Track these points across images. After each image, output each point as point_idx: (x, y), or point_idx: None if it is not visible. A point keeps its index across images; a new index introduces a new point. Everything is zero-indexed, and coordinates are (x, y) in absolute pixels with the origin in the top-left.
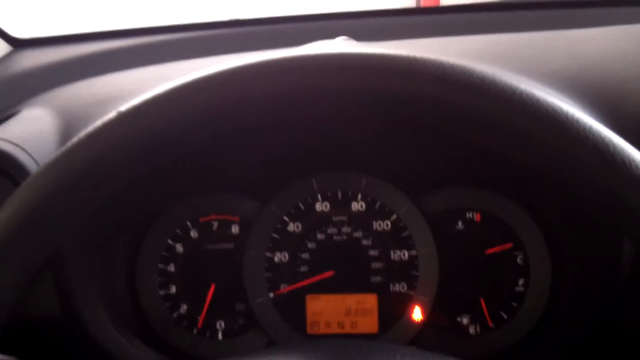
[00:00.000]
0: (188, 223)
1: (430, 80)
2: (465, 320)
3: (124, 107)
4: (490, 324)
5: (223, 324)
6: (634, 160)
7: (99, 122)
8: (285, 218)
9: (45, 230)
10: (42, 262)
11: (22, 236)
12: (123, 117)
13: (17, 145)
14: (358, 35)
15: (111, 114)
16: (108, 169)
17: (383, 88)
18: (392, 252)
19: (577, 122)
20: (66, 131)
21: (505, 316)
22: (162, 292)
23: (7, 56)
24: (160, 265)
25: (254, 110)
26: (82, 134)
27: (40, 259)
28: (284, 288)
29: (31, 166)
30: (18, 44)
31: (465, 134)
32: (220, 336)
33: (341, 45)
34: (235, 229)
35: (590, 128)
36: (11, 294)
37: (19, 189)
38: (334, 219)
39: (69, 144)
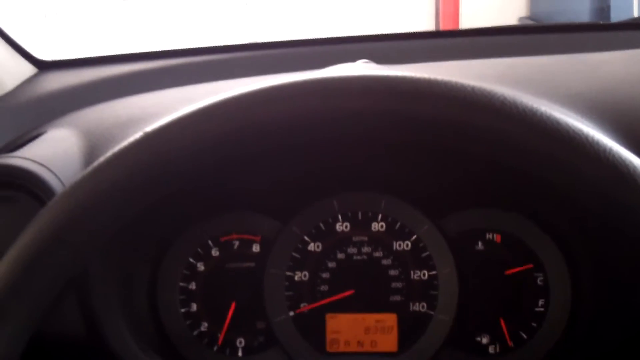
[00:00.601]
0: (209, 242)
1: (452, 103)
2: (484, 340)
3: (149, 128)
4: (510, 344)
5: (243, 342)
6: None
7: (125, 143)
8: (306, 238)
9: (71, 251)
10: (65, 283)
11: (47, 256)
12: (149, 138)
13: (42, 165)
14: (378, 59)
15: (137, 135)
16: (134, 190)
17: (406, 110)
18: (412, 272)
19: (597, 144)
20: (91, 152)
21: (525, 336)
22: (183, 310)
23: (33, 78)
24: (181, 284)
25: (279, 131)
26: (109, 154)
27: (64, 279)
28: (304, 307)
29: (56, 186)
30: (43, 66)
31: (486, 155)
32: (240, 354)
33: (362, 68)
34: (256, 248)
35: (611, 150)
36: (36, 313)
37: (45, 208)
38: (354, 239)
39: (96, 164)
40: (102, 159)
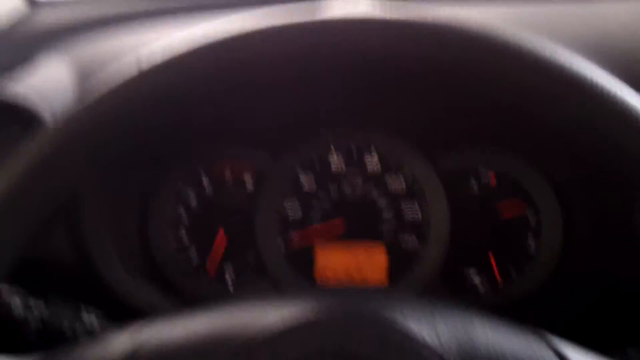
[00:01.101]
0: (202, 172)
1: (448, 39)
2: (474, 278)
3: (145, 64)
4: (500, 282)
5: (233, 274)
6: None
7: (120, 78)
8: (299, 172)
9: (62, 176)
10: (55, 207)
11: (38, 179)
12: (144, 72)
13: (35, 98)
14: None
15: (132, 70)
16: (127, 123)
17: (400, 47)
18: (404, 208)
19: (601, 86)
20: (84, 85)
21: (514, 274)
22: (173, 240)
23: (26, 15)
24: (173, 213)
25: (280, 68)
26: (104, 87)
27: (54, 204)
28: (296, 240)
29: (50, 117)
30: (36, 4)
31: (486, 93)
32: (230, 285)
33: (368, 5)
34: (249, 181)
35: (615, 92)
36: (23, 236)
37: (38, 136)
38: (348, 174)
39: (91, 97)
40: (98, 93)
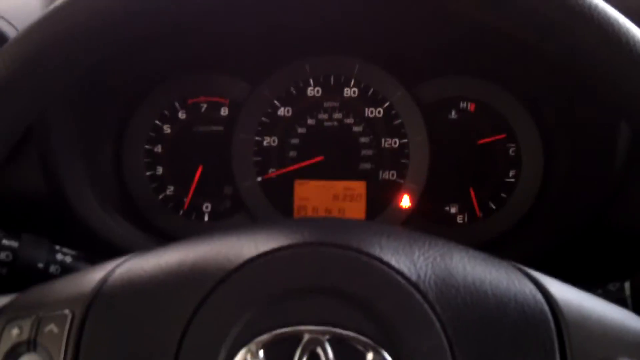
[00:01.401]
0: (176, 104)
1: None
2: (453, 210)
3: None
4: (479, 214)
5: (210, 207)
6: (638, 41)
7: None
8: (276, 102)
9: (27, 93)
10: (23, 128)
11: (3, 96)
12: None
13: (1, 17)
14: None
15: None
16: (87, 35)
17: None
18: (383, 140)
19: (582, 0)
20: (50, 4)
21: (494, 206)
22: (148, 173)
23: None
24: (147, 146)
25: None
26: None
27: (22, 124)
28: (272, 172)
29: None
30: None
31: (466, 10)
32: (206, 218)
33: None
34: (224, 112)
35: (597, 6)
36: None
37: None
38: (326, 104)
39: (50, 8)
40: (56, 3)
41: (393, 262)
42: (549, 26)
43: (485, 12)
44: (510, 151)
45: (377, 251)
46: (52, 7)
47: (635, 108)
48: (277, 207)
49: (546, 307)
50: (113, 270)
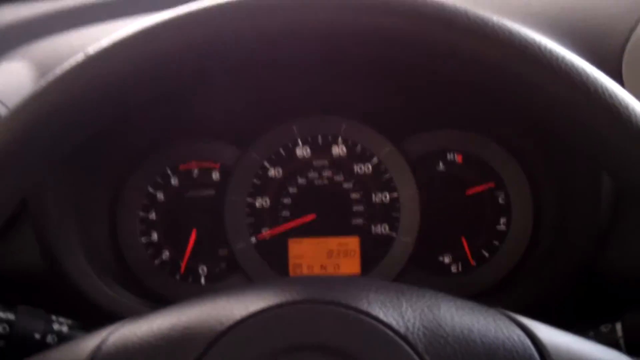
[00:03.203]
0: (168, 170)
1: (403, 15)
2: (447, 260)
3: (91, 49)
4: (472, 263)
5: (205, 269)
6: (607, 89)
7: (66, 64)
8: (266, 163)
9: (19, 167)
10: (16, 201)
11: None
12: (90, 59)
13: None
14: None
15: (78, 56)
16: (78, 109)
17: (366, 26)
18: (373, 195)
19: (549, 52)
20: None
21: (487, 254)
22: (143, 240)
23: None
24: (141, 214)
25: (231, 50)
26: (51, 75)
27: (15, 197)
28: (266, 232)
29: None
30: None
31: (439, 68)
32: (202, 281)
33: None
34: (215, 176)
35: (564, 58)
36: None
37: None
38: (315, 163)
39: (38, 85)
40: (44, 80)
41: (381, 315)
42: (516, 81)
43: (456, 70)
44: (500, 199)
45: (365, 305)
46: (39, 84)
47: (610, 158)
48: (272, 266)
49: (535, 353)
50: (107, 338)
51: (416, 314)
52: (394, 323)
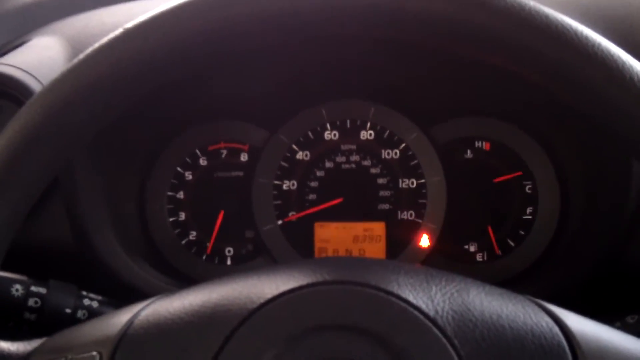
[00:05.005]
0: (197, 151)
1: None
2: (472, 248)
3: (130, 24)
4: (498, 252)
5: (232, 251)
6: None
7: (105, 39)
8: (294, 146)
9: (51, 148)
10: (47, 181)
11: (30, 150)
12: (128, 34)
13: (27, 72)
14: None
15: (117, 31)
16: (114, 86)
17: (393, 4)
18: (400, 181)
19: (586, 39)
20: (74, 57)
21: (512, 244)
22: (171, 219)
23: None
24: (169, 193)
25: (265, 29)
26: (89, 50)
27: (46, 178)
28: (293, 215)
29: None
30: None
31: (475, 53)
32: (228, 262)
33: None
34: (244, 157)
35: (600, 45)
36: (18, 212)
37: (26, 104)
38: (343, 147)
39: (76, 60)
40: (82, 55)
41: (411, 298)
42: (551, 66)
43: (491, 54)
44: (527, 188)
45: (395, 288)
46: (77, 58)
47: None
48: (297, 249)
49: (563, 340)
50: (139, 313)
51: (445, 298)
52: (423, 306)
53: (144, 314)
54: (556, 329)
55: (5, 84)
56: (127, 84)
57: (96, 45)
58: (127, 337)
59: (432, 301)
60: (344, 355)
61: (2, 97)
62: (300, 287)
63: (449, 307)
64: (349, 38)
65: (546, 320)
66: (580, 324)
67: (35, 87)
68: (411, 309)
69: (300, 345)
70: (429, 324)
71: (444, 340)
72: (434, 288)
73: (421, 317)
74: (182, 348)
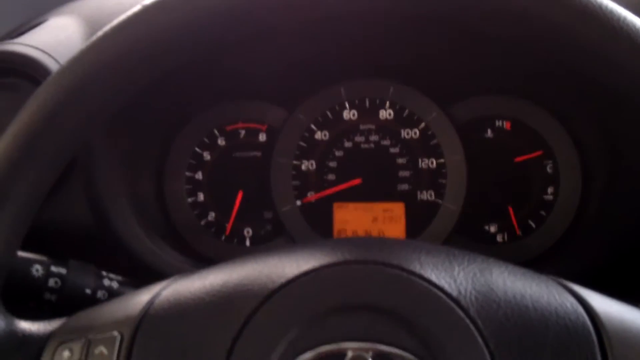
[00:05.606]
0: (215, 131)
1: None
2: (493, 229)
3: (148, 1)
4: (518, 232)
5: (251, 231)
6: None
7: (123, 16)
8: (313, 126)
9: (70, 125)
10: (66, 161)
11: (49, 129)
12: (147, 11)
13: (44, 51)
14: None
15: (135, 8)
16: (131, 63)
17: None
18: (420, 161)
19: (610, 13)
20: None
21: (533, 225)
22: (190, 200)
23: None
24: (187, 173)
25: (286, 8)
26: (108, 27)
27: (65, 157)
28: (312, 196)
29: None
30: None
31: (497, 30)
32: (247, 243)
33: None
34: (262, 137)
35: (625, 19)
36: (37, 192)
37: (44, 83)
38: (362, 127)
39: (94, 37)
40: (100, 32)
41: (433, 278)
42: (576, 41)
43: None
44: (548, 168)
45: (417, 268)
46: (96, 36)
47: None
48: (316, 230)
49: (588, 320)
50: (159, 293)
51: (468, 278)
52: (446, 286)
53: (164, 294)
54: (580, 310)
55: (23, 64)
56: (146, 62)
57: (114, 22)
58: (148, 317)
59: (455, 281)
60: (368, 334)
61: (19, 77)
62: (322, 267)
63: (472, 286)
64: (371, 17)
65: (570, 301)
66: (604, 305)
67: (53, 66)
68: (434, 289)
69: (322, 324)
70: (452, 304)
71: (467, 321)
72: (456, 268)
73: (444, 297)
74: (203, 328)
